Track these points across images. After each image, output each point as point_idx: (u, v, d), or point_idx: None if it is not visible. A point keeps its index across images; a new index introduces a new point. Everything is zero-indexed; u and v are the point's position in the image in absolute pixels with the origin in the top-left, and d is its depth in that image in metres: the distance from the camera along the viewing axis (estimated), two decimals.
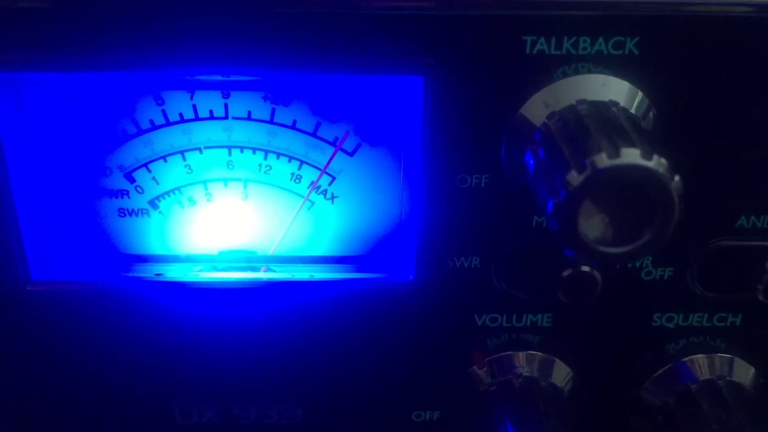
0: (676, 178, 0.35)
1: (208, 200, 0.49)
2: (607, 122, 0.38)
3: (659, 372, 0.50)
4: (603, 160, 0.35)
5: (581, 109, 0.40)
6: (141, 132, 0.47)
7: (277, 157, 0.48)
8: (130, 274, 0.49)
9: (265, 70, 0.41)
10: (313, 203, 0.49)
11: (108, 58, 0.40)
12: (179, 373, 0.50)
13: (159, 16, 0.40)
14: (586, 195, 0.35)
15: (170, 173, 0.48)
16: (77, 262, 0.49)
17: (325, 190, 0.49)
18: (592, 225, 0.36)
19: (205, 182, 0.49)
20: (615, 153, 0.35)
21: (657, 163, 0.35)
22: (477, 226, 0.46)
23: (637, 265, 0.47)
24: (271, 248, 0.50)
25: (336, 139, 0.47)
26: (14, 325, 0.48)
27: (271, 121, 0.47)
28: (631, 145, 0.35)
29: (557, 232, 0.36)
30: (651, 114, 0.42)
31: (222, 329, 0.49)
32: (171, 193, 0.49)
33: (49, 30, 0.40)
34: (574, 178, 0.35)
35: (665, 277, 0.48)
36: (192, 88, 0.45)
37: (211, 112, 0.46)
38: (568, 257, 0.45)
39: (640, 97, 0.41)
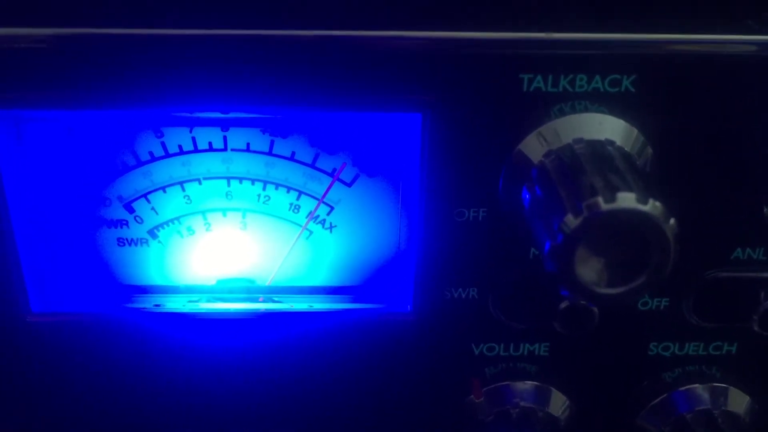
0: (671, 221, 0.36)
1: (207, 230, 0.49)
2: (603, 162, 0.38)
3: (655, 401, 0.50)
4: (599, 204, 0.35)
5: (578, 149, 0.40)
6: (140, 164, 0.47)
7: (276, 188, 0.48)
8: (130, 305, 0.50)
9: (263, 108, 0.42)
10: (311, 233, 0.50)
11: (107, 96, 0.41)
12: (178, 403, 0.51)
13: (158, 55, 0.40)
14: (582, 238, 0.36)
15: (169, 203, 0.48)
16: (77, 293, 0.50)
17: (324, 220, 0.49)
18: (589, 267, 0.36)
19: (204, 212, 0.49)
20: (611, 197, 0.35)
21: (652, 206, 0.35)
22: (474, 258, 0.46)
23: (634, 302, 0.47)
24: (269, 278, 0.50)
25: (334, 170, 0.48)
26: (14, 356, 0.48)
27: (269, 153, 0.47)
28: (627, 188, 0.36)
29: (554, 274, 0.37)
30: (647, 151, 0.42)
31: (220, 359, 0.49)
32: (170, 223, 0.49)
33: (48, 69, 0.40)
34: (571, 221, 0.36)
35: (661, 308, 0.48)
36: (191, 124, 0.46)
37: (210, 144, 0.47)
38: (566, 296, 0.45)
39: (636, 134, 0.42)
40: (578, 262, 0.36)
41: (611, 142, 0.40)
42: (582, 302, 0.46)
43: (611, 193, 0.35)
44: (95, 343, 0.48)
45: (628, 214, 0.35)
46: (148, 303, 0.50)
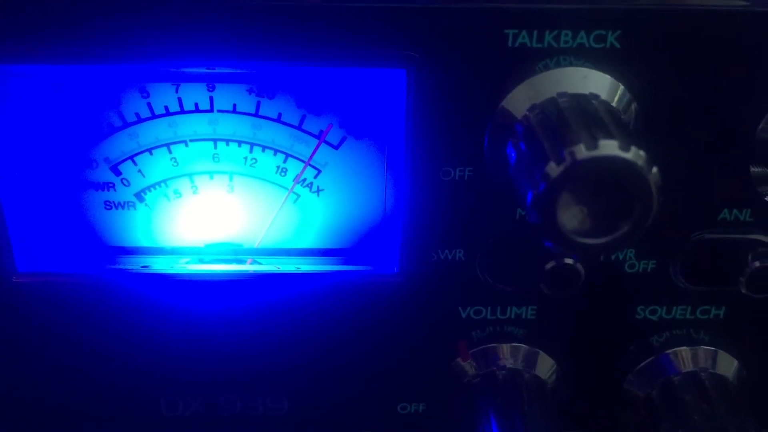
0: (654, 169, 0.36)
1: (194, 193, 0.49)
2: (587, 114, 0.38)
3: (642, 364, 0.50)
4: (581, 151, 0.35)
5: (562, 102, 0.40)
6: (127, 125, 0.47)
7: (263, 150, 0.48)
8: (116, 267, 0.50)
9: (249, 63, 0.42)
10: (298, 196, 0.50)
11: (93, 50, 0.41)
12: (165, 365, 0.51)
13: (144, 7, 0.40)
14: (564, 186, 0.36)
15: (156, 166, 0.48)
16: (63, 254, 0.50)
17: (311, 183, 0.49)
18: (571, 216, 0.36)
19: (191, 175, 0.49)
20: (593, 144, 0.35)
21: (635, 154, 0.35)
22: (461, 218, 0.46)
23: (620, 257, 0.47)
24: (257, 241, 0.50)
25: (321, 131, 0.48)
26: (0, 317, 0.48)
27: (256, 114, 0.47)
28: (610, 136, 0.36)
29: (536, 223, 0.37)
30: (632, 107, 0.42)
31: (208, 321, 0.49)
32: (157, 186, 0.49)
33: (33, 22, 0.40)
34: (553, 169, 0.36)
35: (648, 270, 0.48)
36: (177, 80, 0.45)
37: (196, 104, 0.47)
38: (549, 249, 0.45)
39: (622, 90, 0.42)
40: (561, 212, 0.36)
41: (596, 96, 0.40)
42: (568, 262, 0.46)
43: (593, 141, 0.35)
44: (82, 304, 0.48)
45: (610, 162, 0.35)
46: (135, 264, 0.50)
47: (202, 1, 0.40)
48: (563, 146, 0.36)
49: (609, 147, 0.35)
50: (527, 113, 0.41)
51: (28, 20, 0.40)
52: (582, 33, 0.41)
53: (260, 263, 0.50)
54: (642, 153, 0.35)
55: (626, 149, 0.35)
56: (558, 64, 0.41)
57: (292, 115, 0.47)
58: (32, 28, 0.40)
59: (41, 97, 0.46)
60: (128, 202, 0.49)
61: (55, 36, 0.40)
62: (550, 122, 0.39)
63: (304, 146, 0.48)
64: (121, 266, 0.50)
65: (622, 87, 0.42)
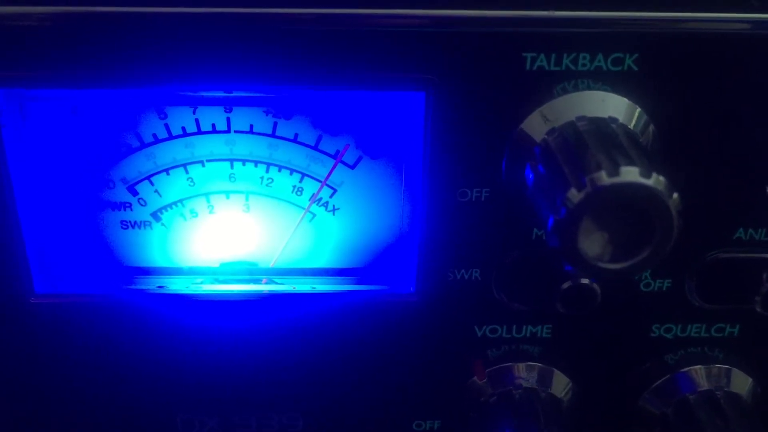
0: (675, 195, 0.36)
1: (210, 212, 0.49)
2: (606, 139, 0.39)
3: (658, 383, 0.50)
4: (603, 178, 0.35)
5: (581, 126, 0.40)
6: (144, 145, 0.47)
7: (279, 170, 0.48)
8: (133, 287, 0.50)
9: (267, 87, 0.42)
10: (314, 215, 0.50)
11: (111, 75, 0.41)
12: (182, 384, 0.51)
13: (162, 33, 0.40)
14: (585, 212, 0.36)
15: (173, 186, 0.48)
16: (80, 274, 0.50)
17: (327, 202, 0.49)
18: (592, 242, 0.37)
19: (207, 195, 0.49)
20: (614, 171, 0.35)
21: (656, 180, 0.35)
22: (477, 238, 0.46)
23: (636, 276, 0.47)
24: (273, 260, 0.51)
25: (337, 151, 0.48)
26: (18, 338, 0.48)
27: (272, 135, 0.47)
28: (631, 163, 0.36)
29: (557, 248, 0.37)
30: (650, 129, 0.42)
31: (224, 340, 0.49)
32: (173, 206, 0.49)
33: (53, 47, 0.40)
34: (574, 195, 0.36)
35: (664, 289, 0.48)
36: (195, 103, 0.46)
37: (213, 125, 0.47)
38: (569, 272, 0.45)
39: (639, 112, 0.42)
40: (581, 237, 0.36)
41: (614, 120, 0.41)
42: (584, 282, 0.46)
43: (615, 167, 0.35)
44: (99, 325, 0.48)
45: (631, 188, 0.35)
46: (151, 285, 0.50)
47: (221, 27, 0.40)
48: (584, 172, 0.36)
49: (630, 174, 0.35)
50: (546, 136, 0.41)
51: (47, 46, 0.40)
52: (600, 56, 0.41)
53: (276, 283, 0.51)
54: (662, 179, 0.36)
55: (647, 176, 0.35)
56: (576, 88, 0.41)
57: (308, 136, 0.47)
58: (51, 54, 0.40)
59: (59, 119, 0.46)
60: (145, 221, 0.49)
61: (73, 61, 0.41)
62: (569, 146, 0.39)
63: (320, 166, 0.48)
64: (138, 286, 0.50)
65: (639, 109, 0.42)
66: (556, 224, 0.36)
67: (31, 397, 0.50)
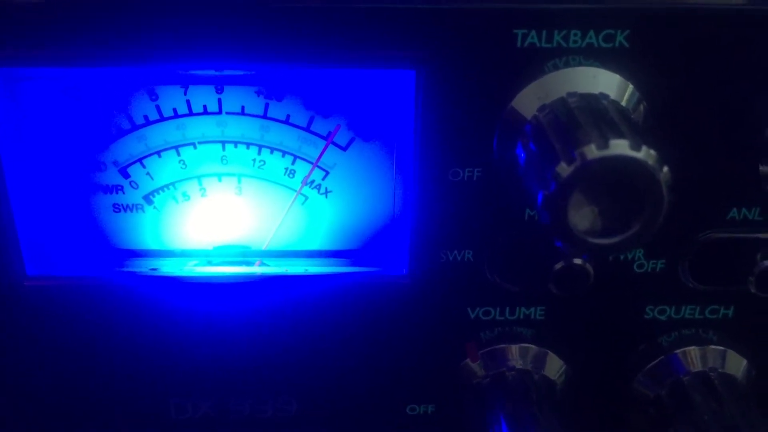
0: (665, 169, 0.36)
1: (202, 195, 0.49)
2: (596, 114, 0.38)
3: (652, 364, 0.50)
4: (592, 151, 0.35)
5: (571, 102, 0.40)
6: (135, 127, 0.47)
7: (271, 152, 0.48)
8: (125, 269, 0.50)
9: (258, 65, 0.42)
10: (306, 198, 0.50)
11: (102, 53, 0.41)
12: (174, 368, 0.51)
13: (153, 10, 0.40)
14: (575, 186, 0.36)
15: (164, 168, 0.48)
16: (72, 257, 0.50)
17: (319, 185, 0.49)
18: (582, 216, 0.36)
19: (199, 177, 0.49)
20: (604, 144, 0.35)
21: (646, 153, 0.35)
22: (470, 219, 0.46)
23: (629, 257, 0.47)
24: (265, 243, 0.50)
25: (329, 133, 0.48)
26: (10, 320, 0.48)
27: (264, 116, 0.47)
28: (620, 136, 0.36)
29: (547, 223, 0.37)
30: (641, 107, 0.42)
31: (217, 323, 0.49)
32: (165, 188, 0.49)
33: (43, 25, 0.40)
34: (564, 169, 0.36)
35: (657, 270, 0.48)
36: (186, 82, 0.46)
37: (204, 107, 0.47)
38: (560, 250, 0.45)
39: (631, 89, 0.42)
40: (572, 212, 0.36)
41: (605, 96, 0.40)
42: (577, 262, 0.46)
43: (604, 141, 0.35)
44: (91, 308, 0.48)
45: (620, 161, 0.35)
46: (143, 267, 0.50)
47: (211, 4, 0.40)
48: (574, 146, 0.36)
49: (620, 147, 0.35)
50: (537, 113, 0.41)
51: (36, 24, 0.40)
52: (591, 32, 0.41)
53: (268, 265, 0.50)
54: (653, 152, 0.35)
55: (637, 149, 0.35)
56: (567, 64, 0.41)
57: (300, 117, 0.47)
58: (41, 32, 0.40)
59: (50, 100, 0.46)
60: (137, 204, 0.49)
61: (64, 39, 0.40)
62: (559, 122, 0.39)
63: (312, 148, 0.48)
64: (130, 269, 0.50)
65: (631, 86, 0.42)
66: (546, 199, 0.36)
67: (23, 380, 0.50)
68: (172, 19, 0.40)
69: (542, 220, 0.37)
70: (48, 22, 0.40)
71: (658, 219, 0.36)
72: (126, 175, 0.48)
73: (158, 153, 0.48)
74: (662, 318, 0.50)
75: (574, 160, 0.35)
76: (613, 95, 0.41)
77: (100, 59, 0.41)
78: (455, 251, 0.47)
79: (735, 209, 0.46)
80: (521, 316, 0.49)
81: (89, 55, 0.41)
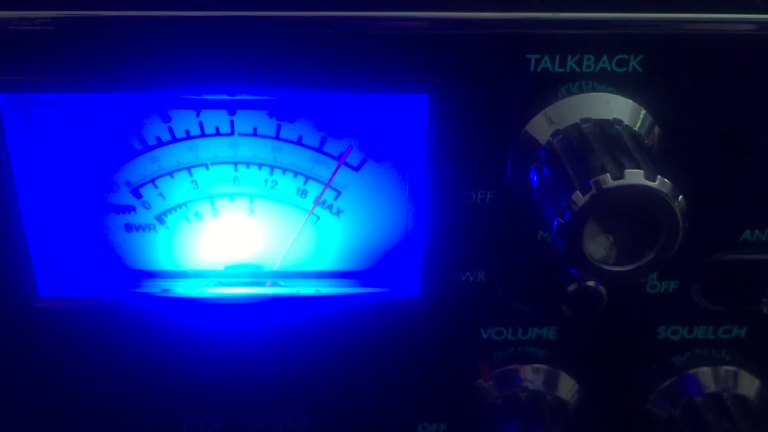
0: (680, 197, 0.36)
1: (214, 215, 0.49)
2: (611, 141, 0.38)
3: (664, 384, 0.50)
4: (607, 180, 0.35)
5: (585, 128, 0.40)
6: (148, 148, 0.47)
7: (283, 173, 0.48)
8: (138, 290, 0.50)
9: (271, 89, 0.42)
10: (318, 218, 0.50)
11: (114, 79, 0.41)
12: (186, 386, 0.51)
13: (165, 37, 0.40)
14: (590, 215, 0.36)
15: (177, 189, 0.48)
16: (85, 278, 0.50)
17: (331, 205, 0.49)
18: (597, 244, 0.37)
19: (211, 197, 0.49)
20: (619, 174, 0.35)
21: (661, 183, 0.35)
22: (482, 240, 0.46)
23: (642, 280, 0.47)
24: (277, 263, 0.50)
25: (341, 153, 0.48)
26: (22, 341, 0.48)
27: (276, 137, 0.47)
28: (635, 165, 0.36)
29: (562, 251, 0.37)
30: (655, 131, 0.42)
31: (228, 343, 0.49)
32: (178, 209, 0.49)
33: (56, 52, 0.40)
34: (579, 198, 0.36)
35: (670, 291, 0.48)
36: (198, 107, 0.46)
37: (217, 128, 0.47)
38: (573, 273, 0.45)
39: (644, 114, 0.42)
40: (586, 240, 0.36)
41: (619, 122, 0.40)
42: (590, 284, 0.46)
43: (619, 170, 0.35)
44: (103, 329, 0.48)
45: (636, 191, 0.35)
46: (156, 288, 0.50)
47: (224, 30, 0.40)
48: (589, 175, 0.36)
49: (635, 176, 0.35)
50: (550, 139, 0.41)
51: (50, 50, 0.40)
52: (604, 57, 0.41)
53: (280, 285, 0.50)
54: (667, 181, 0.35)
55: (652, 178, 0.35)
56: (580, 89, 0.41)
57: (312, 138, 0.47)
58: (55, 58, 0.40)
59: (63, 122, 0.46)
60: (149, 224, 0.49)
61: (77, 66, 0.41)
62: (574, 148, 0.39)
63: (324, 168, 0.48)
64: (143, 290, 0.50)
65: (644, 111, 0.42)
66: (560, 227, 0.36)
67: (36, 400, 0.51)
68: (185, 45, 0.40)
69: (556, 247, 0.37)
70: (61, 48, 0.40)
71: (674, 247, 0.37)
72: (138, 196, 0.49)
73: (170, 174, 0.48)
74: (675, 338, 0.50)
75: (589, 189, 0.35)
76: (626, 120, 0.41)
77: (112, 85, 0.41)
78: (467, 272, 0.47)
79: (748, 231, 0.46)
80: (534, 337, 0.49)
81: (102, 81, 0.41)
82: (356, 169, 0.48)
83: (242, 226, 0.50)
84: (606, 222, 0.36)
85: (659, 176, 0.35)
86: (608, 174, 0.35)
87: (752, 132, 0.43)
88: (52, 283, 0.48)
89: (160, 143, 0.47)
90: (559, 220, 0.36)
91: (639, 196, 0.35)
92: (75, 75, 0.41)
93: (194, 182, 0.48)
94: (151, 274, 0.50)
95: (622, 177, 0.35)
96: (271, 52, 0.40)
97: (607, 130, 0.39)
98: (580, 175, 0.36)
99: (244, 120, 0.47)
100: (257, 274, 0.51)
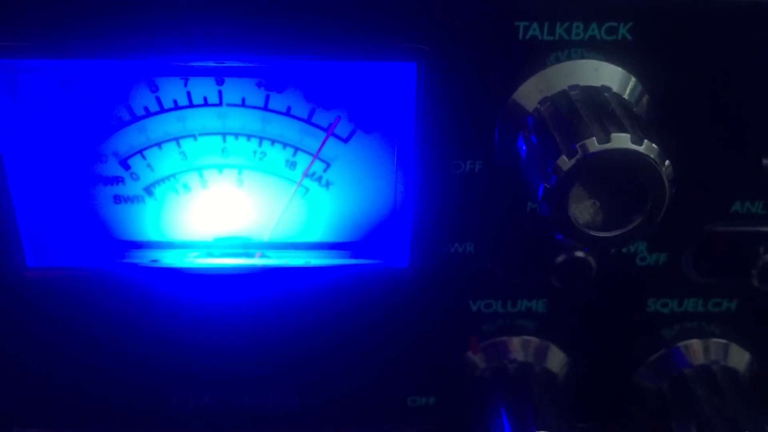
0: (667, 163, 0.35)
1: (203, 187, 0.49)
2: (598, 107, 0.38)
3: (654, 357, 0.50)
4: (593, 144, 0.35)
5: (573, 95, 0.40)
6: (135, 119, 0.47)
7: (272, 144, 0.48)
8: (126, 261, 0.49)
9: (258, 57, 0.42)
10: (307, 190, 0.49)
11: (102, 45, 0.41)
12: (175, 360, 0.51)
13: (152, 2, 0.40)
14: (576, 180, 0.36)
15: (165, 160, 0.48)
16: (73, 248, 0.50)
17: (320, 177, 0.49)
18: (583, 210, 0.36)
19: (200, 169, 0.49)
20: (605, 138, 0.35)
21: (647, 147, 0.35)
22: (471, 211, 0.46)
23: (632, 250, 0.47)
24: (266, 234, 0.50)
25: (330, 125, 0.47)
26: (9, 312, 0.48)
27: (265, 108, 0.47)
28: (622, 129, 0.35)
29: (548, 216, 0.36)
30: (644, 99, 0.42)
31: (217, 315, 0.49)
32: (166, 180, 0.49)
33: (42, 17, 0.40)
34: (565, 162, 0.35)
35: (659, 263, 0.48)
36: (186, 74, 0.45)
37: (205, 98, 0.46)
38: (561, 242, 0.45)
39: (633, 82, 0.41)
40: (572, 205, 0.36)
41: (607, 89, 0.40)
42: (579, 255, 0.46)
43: (605, 134, 0.35)
44: (91, 299, 0.48)
45: (622, 155, 0.35)
46: (144, 258, 0.49)
47: None
48: (575, 139, 0.36)
49: (621, 140, 0.35)
50: (538, 106, 0.41)
51: (36, 16, 0.40)
52: (593, 25, 0.41)
53: (269, 257, 0.50)
54: (654, 146, 0.35)
55: (639, 142, 0.35)
56: (569, 57, 0.41)
57: (301, 109, 0.47)
58: (41, 24, 0.40)
59: (50, 92, 0.45)
60: (137, 196, 0.49)
61: (64, 31, 0.40)
62: (561, 115, 0.39)
63: (313, 140, 0.48)
64: (131, 260, 0.49)
65: (633, 79, 0.41)
66: (546, 192, 0.36)
67: (22, 371, 0.50)
68: (172, 10, 0.40)
69: (542, 213, 0.37)
70: (47, 14, 0.40)
71: (660, 213, 0.36)
72: (126, 167, 0.48)
73: (159, 144, 0.48)
74: (664, 311, 0.49)
75: (576, 153, 0.35)
76: (615, 88, 0.41)
77: (99, 51, 0.41)
78: (456, 243, 0.47)
79: (738, 202, 0.46)
80: (523, 309, 0.49)
81: (88, 47, 0.41)
82: (345, 140, 0.48)
83: (231, 198, 0.50)
84: (593, 187, 0.36)
85: (646, 140, 0.35)
86: (594, 138, 0.35)
87: (742, 102, 0.43)
88: (40, 253, 0.48)
89: (148, 113, 0.47)
90: (545, 184, 0.36)
91: (625, 160, 0.35)
92: (61, 41, 0.40)
93: (182, 153, 0.48)
94: (140, 245, 0.50)
95: (608, 141, 0.35)
96: (258, 17, 0.40)
97: (595, 97, 0.39)
98: (566, 140, 0.36)
99: (233, 90, 0.46)
100: (246, 246, 0.51)
